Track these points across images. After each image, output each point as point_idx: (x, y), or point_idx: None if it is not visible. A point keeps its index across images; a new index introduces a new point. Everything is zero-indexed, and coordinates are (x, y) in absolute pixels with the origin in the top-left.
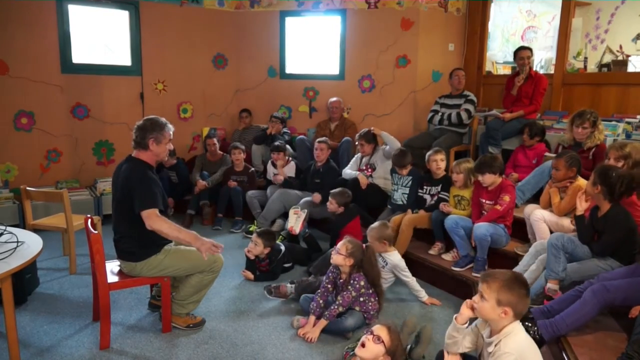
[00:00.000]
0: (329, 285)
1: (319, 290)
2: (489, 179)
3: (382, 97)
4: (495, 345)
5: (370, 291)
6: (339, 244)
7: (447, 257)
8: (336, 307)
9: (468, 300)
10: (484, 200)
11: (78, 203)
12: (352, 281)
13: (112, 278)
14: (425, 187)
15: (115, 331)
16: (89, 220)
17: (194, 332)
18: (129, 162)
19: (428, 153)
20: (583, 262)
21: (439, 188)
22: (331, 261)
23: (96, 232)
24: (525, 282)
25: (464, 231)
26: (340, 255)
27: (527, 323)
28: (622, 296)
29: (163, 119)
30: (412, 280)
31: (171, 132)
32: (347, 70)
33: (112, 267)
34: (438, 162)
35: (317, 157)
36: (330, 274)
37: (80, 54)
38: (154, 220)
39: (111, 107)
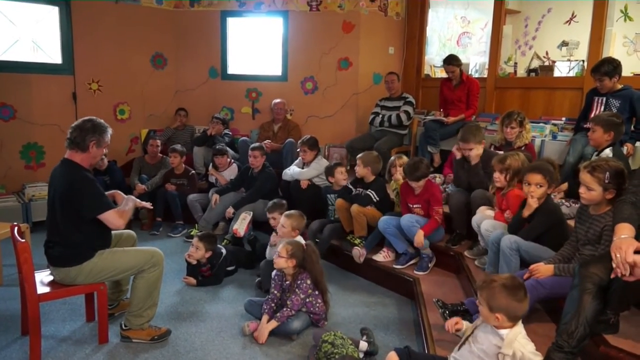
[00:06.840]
0: (276, 291)
1: (268, 297)
2: (424, 183)
3: (324, 99)
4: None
5: (316, 292)
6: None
7: (379, 257)
8: (288, 310)
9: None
10: (411, 205)
11: (4, 210)
12: (298, 282)
13: (42, 289)
14: (358, 188)
15: (46, 345)
16: (16, 229)
17: (134, 343)
18: (64, 166)
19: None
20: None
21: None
22: (274, 265)
23: (23, 240)
24: (519, 285)
25: (396, 229)
26: (281, 258)
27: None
28: (552, 291)
29: (103, 122)
30: None
31: (110, 136)
32: (290, 71)
33: (42, 277)
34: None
35: (252, 164)
36: (276, 278)
37: (4, 51)
38: (115, 218)
39: (40, 108)
